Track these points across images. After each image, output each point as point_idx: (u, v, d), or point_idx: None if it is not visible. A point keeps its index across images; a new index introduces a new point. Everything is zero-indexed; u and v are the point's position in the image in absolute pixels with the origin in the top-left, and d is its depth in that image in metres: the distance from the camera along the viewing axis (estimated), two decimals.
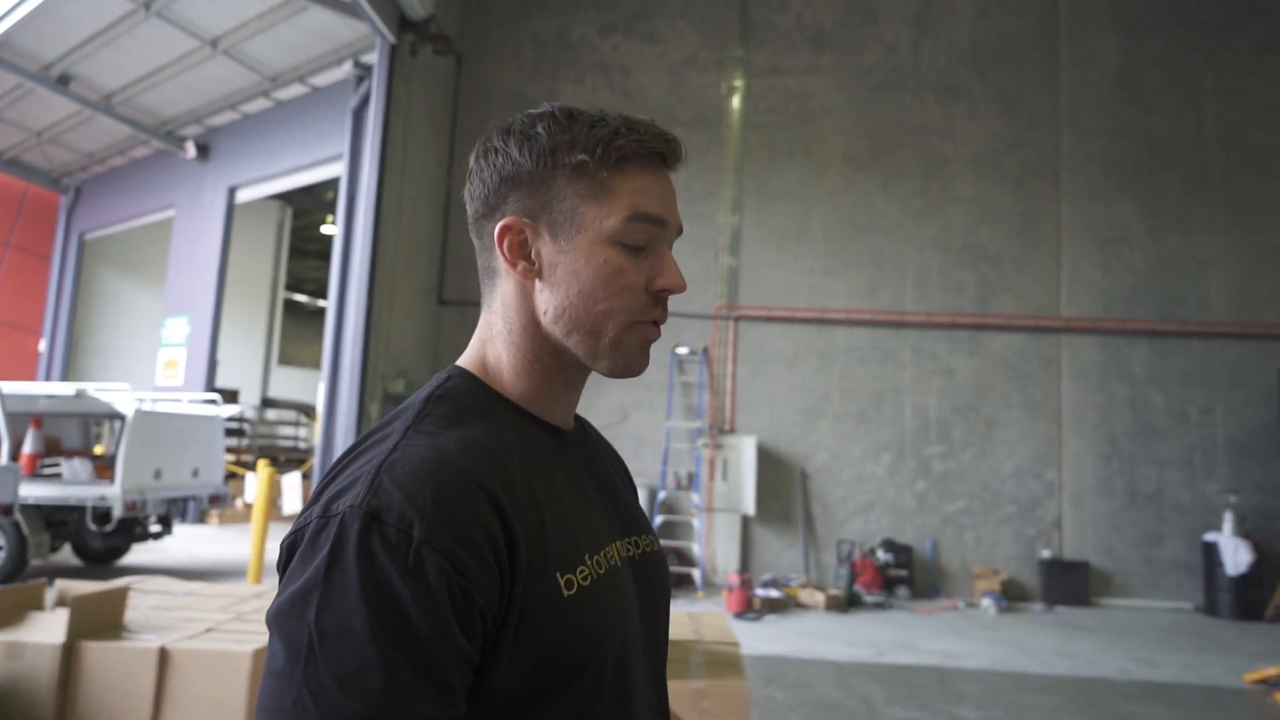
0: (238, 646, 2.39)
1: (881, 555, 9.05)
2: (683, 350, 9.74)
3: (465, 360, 0.88)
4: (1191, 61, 9.69)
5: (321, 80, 11.08)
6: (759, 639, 6.71)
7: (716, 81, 10.08)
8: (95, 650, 2.45)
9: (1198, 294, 9.42)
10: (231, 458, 13.35)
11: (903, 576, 8.96)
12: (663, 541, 9.08)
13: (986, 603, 8.53)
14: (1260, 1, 9.67)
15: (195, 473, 8.35)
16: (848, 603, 8.28)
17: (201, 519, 11.53)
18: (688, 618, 3.05)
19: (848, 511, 9.46)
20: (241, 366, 17.09)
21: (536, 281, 0.83)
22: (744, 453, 9.41)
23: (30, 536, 7.17)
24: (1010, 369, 9.51)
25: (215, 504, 8.68)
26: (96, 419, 8.75)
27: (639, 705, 0.83)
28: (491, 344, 0.87)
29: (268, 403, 15.86)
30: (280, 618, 0.66)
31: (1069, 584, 8.98)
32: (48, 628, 2.47)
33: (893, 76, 9.92)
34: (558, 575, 0.75)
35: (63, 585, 2.71)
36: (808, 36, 10.04)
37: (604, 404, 9.80)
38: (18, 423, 7.64)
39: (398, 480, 0.69)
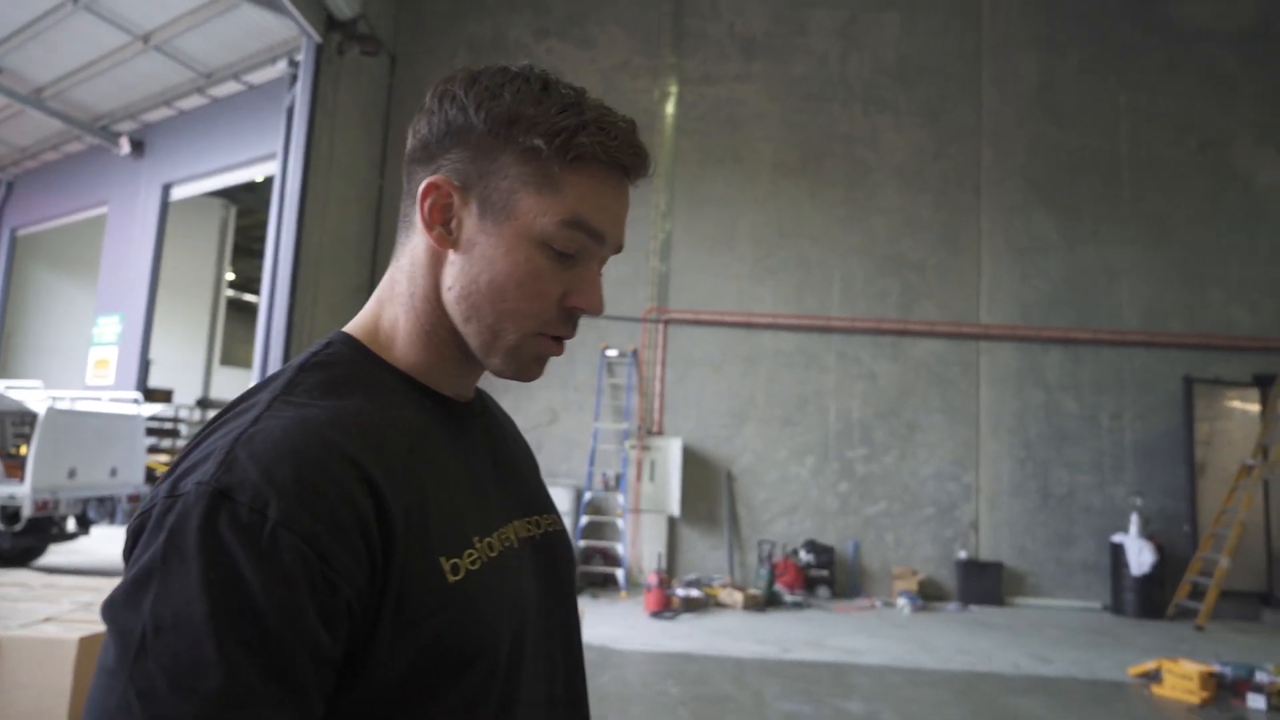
0: (64, 634, 2.43)
1: (804, 556, 9.23)
2: (612, 352, 9.84)
3: (353, 325, 0.81)
4: (1106, 80, 10.05)
5: (256, 78, 11.01)
6: (670, 637, 6.83)
7: (649, 87, 10.23)
8: None
9: (1109, 304, 9.76)
10: (164, 458, 13.17)
11: (824, 577, 9.14)
12: (589, 542, 9.20)
13: (902, 602, 8.74)
14: (1170, 24, 10.07)
15: (113, 472, 8.26)
16: (767, 602, 8.43)
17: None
18: None
19: (772, 513, 9.63)
20: (181, 366, 16.83)
21: (450, 252, 0.76)
22: (670, 454, 9.54)
23: None
24: (931, 374, 9.76)
25: (135, 504, 8.58)
26: (16, 418, 8.62)
27: (529, 692, 0.76)
28: (390, 305, 0.80)
29: (204, 403, 15.65)
30: (113, 609, 0.58)
31: (984, 584, 9.24)
32: None
33: (822, 87, 10.14)
34: (442, 560, 0.68)
35: None
36: (739, 46, 10.23)
37: (533, 405, 9.86)
38: None
39: (255, 454, 0.61)
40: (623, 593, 8.82)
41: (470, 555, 0.71)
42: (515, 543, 0.79)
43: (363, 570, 0.62)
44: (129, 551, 0.62)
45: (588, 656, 4.49)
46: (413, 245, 0.79)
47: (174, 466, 0.65)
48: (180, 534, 0.58)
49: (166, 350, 14.74)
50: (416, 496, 0.68)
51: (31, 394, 7.70)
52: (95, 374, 12.75)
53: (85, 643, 2.42)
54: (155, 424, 12.74)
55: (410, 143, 0.79)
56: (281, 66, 10.09)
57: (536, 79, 0.76)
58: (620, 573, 9.03)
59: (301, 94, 8.51)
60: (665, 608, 7.80)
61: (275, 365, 8.15)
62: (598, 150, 0.74)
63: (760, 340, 9.85)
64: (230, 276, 19.29)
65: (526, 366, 0.79)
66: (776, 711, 4.89)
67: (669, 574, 9.27)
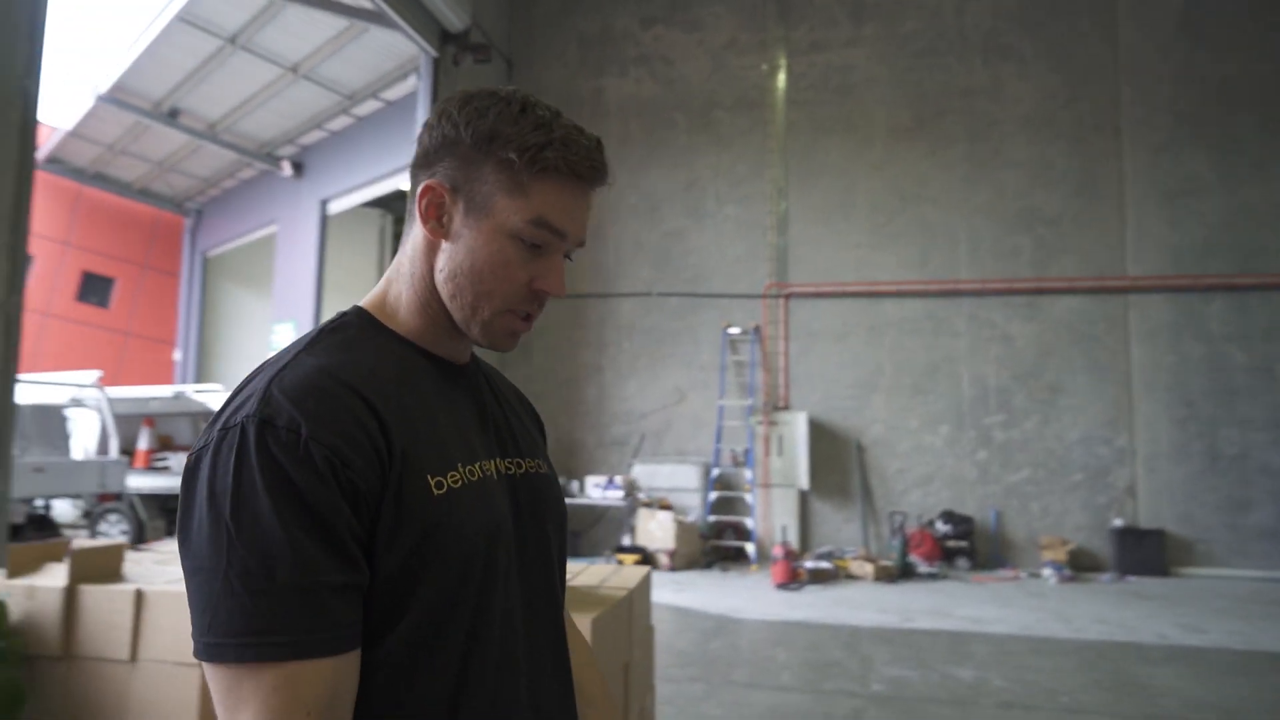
0: None
1: (940, 526, 9.00)
2: (734, 330, 9.93)
3: (367, 299, 0.97)
4: None
5: (393, 94, 11.83)
6: (791, 607, 6.90)
7: (757, 63, 10.18)
8: (90, 592, 3.00)
9: None
10: None
11: (963, 548, 8.87)
12: (718, 517, 9.37)
13: (1047, 573, 8.36)
14: None
15: None
16: (900, 574, 8.30)
17: None
18: (612, 569, 3.36)
19: (906, 484, 9.43)
20: None
21: (442, 242, 0.91)
22: (797, 428, 9.53)
23: (146, 521, 8.16)
24: (1073, 333, 9.22)
25: None
26: (202, 417, 9.78)
27: (504, 601, 0.90)
28: (396, 283, 0.95)
29: None
30: (196, 529, 0.74)
31: (1143, 553, 8.66)
32: (56, 574, 3.05)
33: (936, 42, 9.74)
34: (429, 477, 0.83)
35: (77, 544, 3.29)
36: (847, 10, 9.99)
37: (659, 386, 10.13)
38: (132, 423, 8.67)
39: (286, 391, 0.78)
40: (753, 566, 8.94)
41: (453, 476, 0.86)
42: (495, 475, 0.94)
43: (374, 473, 0.79)
44: (185, 485, 0.77)
45: (706, 626, 4.75)
46: (414, 235, 0.94)
47: (221, 410, 0.80)
48: (244, 455, 0.74)
49: None
50: (409, 428, 0.84)
51: (213, 396, 8.73)
52: None
53: None
54: None
55: (415, 151, 0.93)
56: (413, 81, 10.81)
57: (517, 102, 0.88)
58: (750, 546, 9.14)
59: (421, 107, 9.14)
60: (791, 579, 7.86)
61: None
62: (560, 163, 0.87)
63: (884, 309, 9.63)
64: None
65: (499, 339, 0.93)
66: (881, 676, 4.89)
67: (802, 547, 9.30)
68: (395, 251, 0.99)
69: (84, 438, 7.93)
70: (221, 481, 0.74)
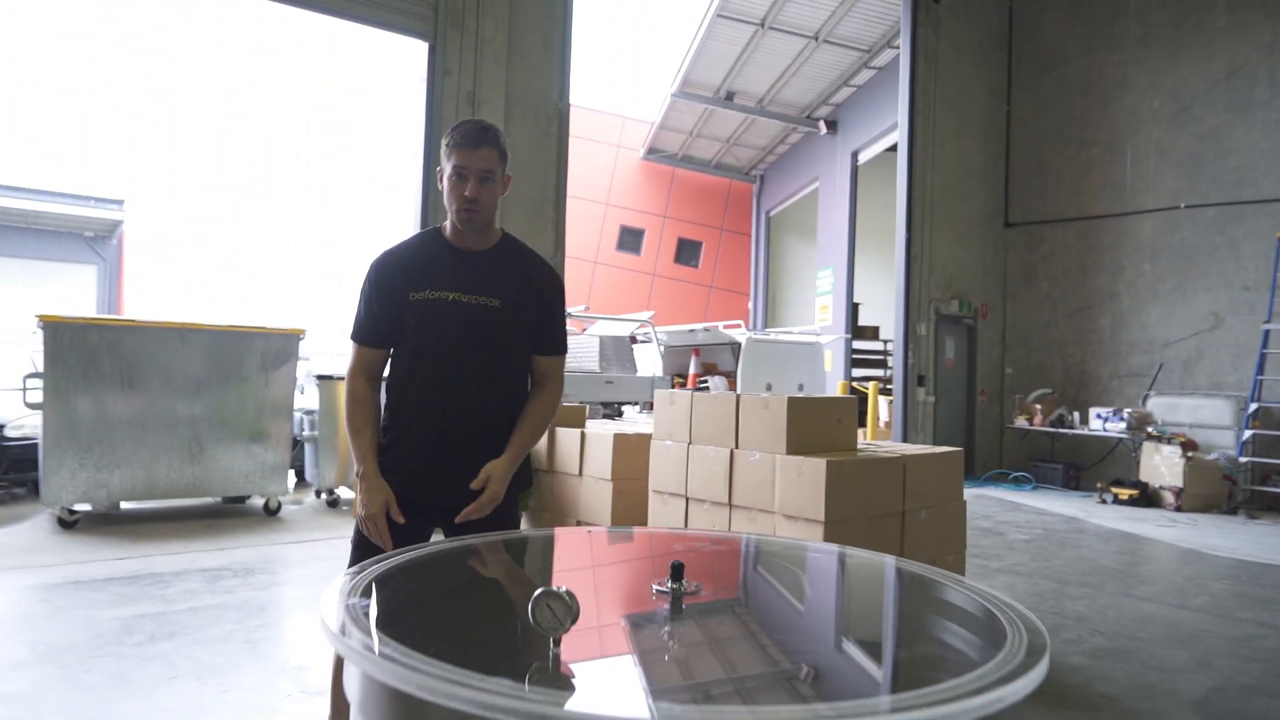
0: (604, 431, 4.26)
1: None
2: None
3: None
4: None
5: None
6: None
7: None
8: (561, 433, 4.62)
9: None
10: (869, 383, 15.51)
11: None
12: (1257, 459, 8.14)
13: None
14: None
15: (800, 387, 10.66)
16: None
17: None
18: (923, 448, 3.84)
19: None
20: (886, 305, 19.17)
21: (444, 191, 1.99)
22: None
23: None
24: None
25: None
26: (732, 349, 11.79)
27: (435, 356, 1.98)
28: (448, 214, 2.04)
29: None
30: (357, 301, 2.08)
31: None
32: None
33: None
34: (411, 293, 1.97)
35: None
36: None
37: (1187, 311, 8.97)
38: (684, 353, 10.99)
39: (379, 256, 2.07)
40: None
41: (425, 294, 1.99)
42: (450, 299, 1.99)
43: (396, 288, 2.00)
44: None
45: (1156, 553, 5.55)
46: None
47: None
48: (367, 276, 2.06)
49: (875, 293, 17.10)
50: (413, 272, 2.00)
51: (735, 331, 10.56)
52: (819, 318, 15.84)
53: (618, 438, 4.19)
54: (864, 355, 15.16)
55: None
56: None
57: (457, 124, 2.00)
58: None
59: (903, 47, 9.51)
60: None
61: (899, 294, 9.45)
62: (453, 141, 1.97)
63: None
64: None
65: (462, 221, 1.99)
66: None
67: None
68: None
69: (647, 362, 10.42)
70: (363, 284, 2.06)
